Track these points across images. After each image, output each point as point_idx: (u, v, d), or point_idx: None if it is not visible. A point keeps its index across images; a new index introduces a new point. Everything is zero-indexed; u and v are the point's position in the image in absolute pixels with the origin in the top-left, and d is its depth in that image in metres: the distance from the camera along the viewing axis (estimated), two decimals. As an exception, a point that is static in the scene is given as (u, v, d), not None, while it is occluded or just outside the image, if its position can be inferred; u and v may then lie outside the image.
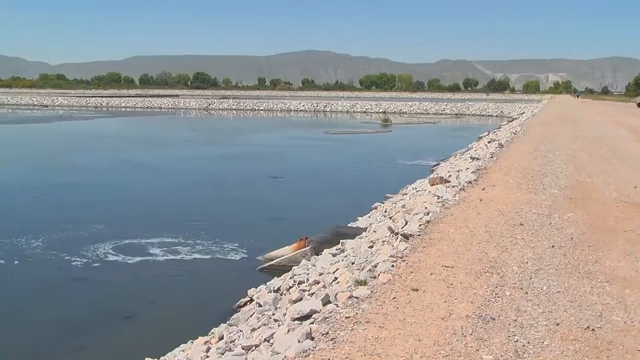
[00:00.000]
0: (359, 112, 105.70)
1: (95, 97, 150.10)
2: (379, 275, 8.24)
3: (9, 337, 11.12)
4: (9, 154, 40.58)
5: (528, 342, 6.08)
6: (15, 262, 15.21)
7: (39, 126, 69.20)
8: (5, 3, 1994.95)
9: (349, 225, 16.68)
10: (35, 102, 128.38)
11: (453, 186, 15.23)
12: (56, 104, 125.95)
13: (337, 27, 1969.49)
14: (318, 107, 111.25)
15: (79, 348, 10.65)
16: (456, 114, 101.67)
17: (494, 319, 6.62)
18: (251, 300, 11.82)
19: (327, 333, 6.41)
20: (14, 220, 20.09)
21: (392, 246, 9.84)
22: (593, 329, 6.42)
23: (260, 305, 10.43)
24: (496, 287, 7.62)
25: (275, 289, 11.34)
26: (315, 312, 7.39)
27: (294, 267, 12.75)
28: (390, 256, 9.04)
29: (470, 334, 6.24)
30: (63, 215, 20.73)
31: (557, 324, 6.54)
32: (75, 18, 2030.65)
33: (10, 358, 10.37)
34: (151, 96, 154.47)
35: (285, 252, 15.04)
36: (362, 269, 8.81)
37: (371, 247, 10.75)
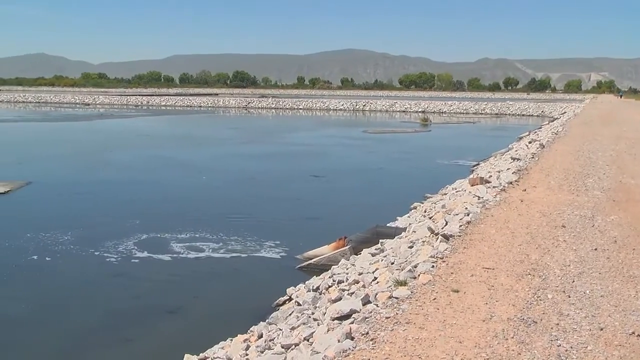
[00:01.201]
0: (398, 111, 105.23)
1: (136, 95, 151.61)
2: (419, 275, 8.20)
3: (57, 329, 11.36)
4: (52, 151, 41.23)
5: (571, 347, 6.00)
6: (60, 257, 15.50)
7: (80, 124, 70.25)
8: (48, 3, 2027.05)
9: (388, 225, 16.61)
10: (77, 101, 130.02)
11: (494, 187, 15.11)
12: (97, 102, 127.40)
13: (376, 26, 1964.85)
14: (357, 106, 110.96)
15: (124, 340, 10.83)
16: (496, 114, 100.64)
17: (536, 323, 6.54)
18: (290, 299, 11.85)
19: (367, 333, 6.40)
20: (57, 216, 20.44)
21: (432, 247, 9.80)
22: (638, 335, 6.32)
23: (299, 304, 10.46)
24: (538, 290, 7.53)
25: (314, 288, 11.36)
26: (355, 311, 7.39)
27: (333, 267, 12.76)
28: (431, 257, 9.00)
29: (512, 337, 6.18)
30: (105, 212, 21.05)
31: (601, 329, 6.44)
32: (116, 18, 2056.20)
33: (58, 348, 10.58)
34: (191, 95, 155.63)
35: (324, 251, 15.05)
36: (402, 269, 8.78)
37: (411, 247, 10.72)
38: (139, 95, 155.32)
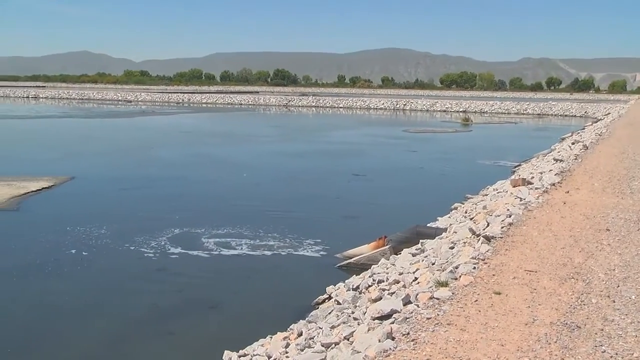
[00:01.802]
0: (439, 110, 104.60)
1: (177, 93, 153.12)
2: (460, 277, 8.16)
3: (103, 321, 11.57)
4: (94, 147, 41.85)
5: (616, 354, 5.91)
6: (102, 251, 15.77)
7: (122, 121, 71.16)
8: (92, 2, 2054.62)
9: (428, 225, 16.54)
10: (120, 98, 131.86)
11: (536, 188, 14.95)
12: (139, 99, 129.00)
13: (417, 24, 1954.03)
14: (397, 106, 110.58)
15: (168, 333, 11.02)
16: (538, 114, 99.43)
17: (580, 327, 6.47)
18: (329, 298, 11.87)
19: (408, 333, 6.39)
20: (99, 211, 20.72)
21: (474, 248, 9.74)
22: (685, 341, 6.21)
23: (339, 303, 10.47)
24: (582, 294, 7.44)
25: (354, 287, 11.36)
26: (395, 311, 7.38)
27: (373, 266, 12.75)
28: (472, 258, 8.95)
29: (555, 342, 6.11)
30: (146, 208, 21.36)
31: (647, 335, 6.34)
32: (158, 16, 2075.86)
33: (105, 339, 10.78)
34: (232, 92, 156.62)
35: (363, 250, 15.04)
36: (443, 270, 8.74)
37: (452, 248, 10.66)
38: (180, 92, 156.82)
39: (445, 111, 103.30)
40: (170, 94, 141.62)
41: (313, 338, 8.67)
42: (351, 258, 14.97)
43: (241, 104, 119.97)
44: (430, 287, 8.03)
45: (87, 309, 12.17)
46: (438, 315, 6.81)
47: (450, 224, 15.07)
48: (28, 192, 23.06)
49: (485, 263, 8.70)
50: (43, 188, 24.03)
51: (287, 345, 8.94)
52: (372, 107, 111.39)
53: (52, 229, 17.83)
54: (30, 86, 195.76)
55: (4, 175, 26.44)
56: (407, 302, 7.70)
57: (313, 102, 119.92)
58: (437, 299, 7.40)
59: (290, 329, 9.90)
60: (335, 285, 12.32)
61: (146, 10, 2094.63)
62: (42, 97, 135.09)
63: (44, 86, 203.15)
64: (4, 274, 13.89)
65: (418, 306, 7.32)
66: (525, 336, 6.23)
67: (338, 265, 14.93)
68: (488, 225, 11.37)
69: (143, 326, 11.36)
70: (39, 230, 17.80)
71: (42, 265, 14.52)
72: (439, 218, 18.04)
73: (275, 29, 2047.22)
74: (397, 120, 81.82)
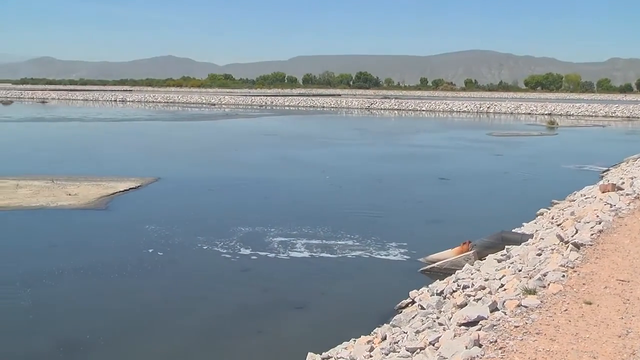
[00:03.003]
0: (523, 113, 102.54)
1: (260, 96, 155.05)
2: (548, 285, 8.03)
3: (192, 318, 11.89)
4: (180, 149, 42.90)
5: None
6: (187, 251, 16.19)
7: (206, 123, 72.66)
8: (176, 7, 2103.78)
9: (513, 230, 16.26)
10: (204, 101, 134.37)
11: (627, 194, 14.54)
12: (223, 102, 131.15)
13: (501, 25, 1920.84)
14: (481, 108, 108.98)
15: (256, 332, 11.21)
16: (628, 117, 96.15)
17: (677, 340, 6.26)
18: (413, 302, 11.82)
19: (496, 341, 6.33)
20: (184, 212, 21.26)
21: (562, 255, 9.55)
22: None
23: (423, 308, 10.42)
24: (678, 306, 7.20)
25: (438, 292, 11.29)
26: (482, 318, 7.32)
27: (457, 271, 12.65)
28: (561, 265, 8.78)
29: (650, 355, 5.94)
30: (230, 209, 21.82)
31: None
32: (242, 20, 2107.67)
33: (194, 335, 11.06)
34: (314, 95, 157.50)
35: (447, 255, 14.92)
36: (531, 278, 8.61)
37: (539, 254, 10.49)
38: (263, 95, 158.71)
39: (530, 114, 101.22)
40: (253, 97, 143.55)
41: (398, 342, 8.65)
42: (434, 262, 14.87)
43: (323, 107, 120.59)
44: (518, 294, 7.92)
45: (176, 306, 12.53)
46: (526, 323, 6.71)
47: (537, 230, 14.81)
48: (116, 192, 23.80)
49: (575, 271, 8.52)
50: (130, 188, 24.78)
51: (372, 349, 8.95)
52: (455, 110, 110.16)
53: (138, 228, 18.37)
54: (118, 90, 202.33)
55: (94, 176, 27.42)
56: (493, 309, 7.62)
57: (395, 105, 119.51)
58: (525, 306, 7.29)
59: (374, 333, 9.90)
60: (418, 290, 12.25)
61: (230, 15, 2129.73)
62: (129, 101, 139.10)
63: (131, 90, 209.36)
64: (93, 271, 14.40)
65: (505, 313, 7.24)
66: (618, 349, 6.08)
67: (421, 269, 14.85)
68: (577, 232, 11.14)
69: (232, 324, 11.61)
70: (126, 229, 18.40)
71: (130, 263, 14.99)
72: (524, 224, 17.71)
73: (357, 32, 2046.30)
74: (481, 124, 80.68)
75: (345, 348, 9.66)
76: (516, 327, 6.64)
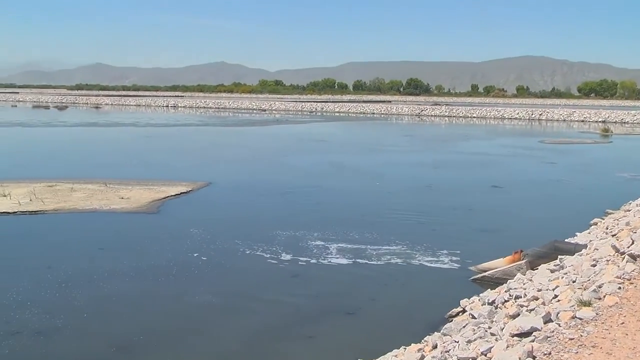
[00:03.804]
0: (577, 120, 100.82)
1: (310, 102, 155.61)
2: (604, 296, 7.88)
3: (243, 321, 12.04)
4: (231, 154, 43.33)
5: None
6: (236, 255, 16.34)
7: (257, 129, 73.22)
8: (228, 14, 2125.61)
9: (566, 240, 15.99)
10: (254, 107, 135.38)
11: (685, 205, 14.19)
12: (273, 108, 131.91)
13: (555, 31, 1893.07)
14: (533, 115, 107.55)
15: (307, 337, 11.32)
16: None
17: None
18: (464, 311, 11.72)
19: (550, 353, 6.24)
20: (233, 216, 21.52)
21: (618, 267, 9.36)
22: None
23: (474, 317, 10.32)
24: None
25: (490, 301, 11.16)
26: (535, 329, 7.22)
27: (509, 281, 12.49)
28: (616, 277, 8.61)
29: None
30: (279, 214, 21.98)
31: None
32: (293, 26, 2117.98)
33: (246, 338, 11.20)
34: (364, 102, 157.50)
35: (498, 264, 14.75)
36: (585, 289, 8.47)
37: (594, 265, 10.30)
38: (314, 101, 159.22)
39: (583, 121, 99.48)
40: (303, 103, 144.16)
41: (449, 351, 8.57)
42: (485, 271, 14.72)
43: (373, 113, 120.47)
44: (572, 306, 7.79)
45: (226, 310, 12.68)
46: (581, 336, 6.59)
47: (590, 240, 14.56)
48: (167, 196, 24.14)
49: (631, 283, 8.34)
50: (181, 193, 25.11)
51: (422, 358, 8.89)
52: (506, 117, 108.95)
53: (188, 232, 18.60)
54: (170, 96, 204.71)
55: (146, 180, 27.83)
56: (547, 320, 7.51)
57: (446, 111, 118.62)
58: (580, 318, 7.17)
59: (425, 341, 9.84)
60: (469, 299, 12.15)
61: (281, 21, 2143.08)
62: (180, 106, 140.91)
63: (183, 96, 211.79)
64: (145, 274, 14.66)
65: (559, 325, 7.12)
66: (678, 363, 5.92)
67: (472, 278, 14.71)
68: (633, 243, 10.89)
69: (283, 328, 11.69)
70: (177, 233, 18.62)
71: (180, 267, 15.21)
72: (577, 233, 17.44)
73: (408, 38, 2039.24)
74: (533, 131, 79.62)
75: (396, 356, 9.62)
76: (571, 339, 6.53)
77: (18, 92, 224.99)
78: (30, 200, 22.50)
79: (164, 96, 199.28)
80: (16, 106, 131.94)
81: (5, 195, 22.98)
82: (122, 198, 23.40)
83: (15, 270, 14.72)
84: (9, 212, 20.75)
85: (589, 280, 9.27)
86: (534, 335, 7.01)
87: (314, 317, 12.24)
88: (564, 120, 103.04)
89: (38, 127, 67.49)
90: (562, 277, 10.53)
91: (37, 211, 21.06)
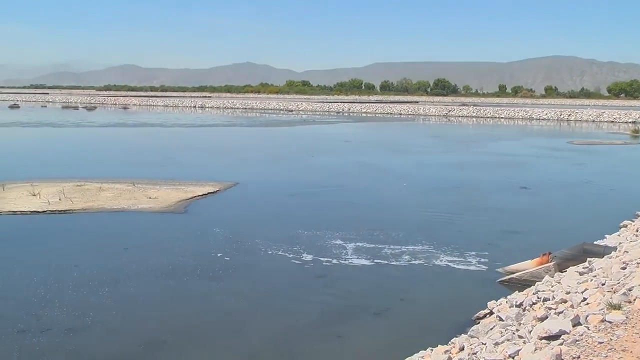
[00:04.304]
0: (606, 121, 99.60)
1: (337, 102, 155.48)
2: (634, 300, 7.79)
3: (272, 321, 12.10)
4: (258, 155, 43.51)
5: None
6: (265, 256, 16.39)
7: (284, 129, 73.35)
8: (255, 15, 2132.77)
9: (595, 242, 15.81)
10: (281, 107, 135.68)
11: None
12: (300, 108, 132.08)
13: (584, 30, 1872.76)
14: (561, 116, 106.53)
15: (336, 336, 11.35)
16: None
17: None
18: (491, 313, 11.64)
19: (579, 357, 6.18)
20: (262, 218, 21.56)
21: (648, 270, 9.23)
22: None
23: (501, 319, 10.24)
24: None
25: (517, 303, 11.08)
26: (564, 332, 7.15)
27: (536, 283, 12.38)
28: (647, 280, 8.48)
29: None
30: (306, 214, 22.05)
31: None
32: (320, 27, 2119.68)
33: (274, 337, 11.28)
34: (391, 102, 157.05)
35: (526, 266, 14.63)
36: (615, 292, 8.37)
37: (624, 268, 10.18)
38: (341, 102, 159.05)
39: (612, 122, 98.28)
40: (330, 104, 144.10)
41: (476, 354, 8.52)
42: (513, 273, 14.61)
43: (400, 114, 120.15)
44: (602, 309, 7.70)
45: (254, 309, 12.74)
46: (611, 339, 6.51)
47: (620, 243, 14.41)
48: (195, 196, 24.28)
49: (663, 286, 8.21)
50: (209, 193, 25.25)
51: (449, 359, 8.83)
52: (534, 117, 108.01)
53: (215, 232, 18.73)
54: (197, 96, 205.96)
55: (174, 180, 27.99)
56: (576, 323, 7.43)
57: (473, 112, 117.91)
58: (610, 322, 7.08)
59: (452, 343, 9.80)
60: (497, 301, 12.07)
61: (308, 22, 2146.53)
62: (207, 107, 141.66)
63: (210, 96, 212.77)
64: (172, 273, 14.78)
65: (588, 328, 7.05)
66: None
67: (499, 280, 14.61)
68: (664, 245, 10.76)
69: (312, 327, 11.79)
70: (204, 233, 18.74)
71: (207, 266, 15.32)
72: (606, 236, 17.24)
73: (435, 38, 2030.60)
74: (561, 132, 78.88)
75: (422, 357, 9.59)
76: (600, 343, 6.45)
77: (48, 93, 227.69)
78: (60, 199, 22.74)
79: (192, 97, 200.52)
80: (46, 106, 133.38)
81: (35, 195, 23.25)
82: (150, 198, 23.57)
83: (44, 269, 14.88)
84: (38, 211, 21.02)
85: (619, 283, 9.16)
86: (563, 339, 6.94)
87: (342, 316, 12.28)
88: (593, 121, 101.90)
89: (67, 127, 68.20)
90: (591, 280, 10.41)
91: (66, 210, 21.31)
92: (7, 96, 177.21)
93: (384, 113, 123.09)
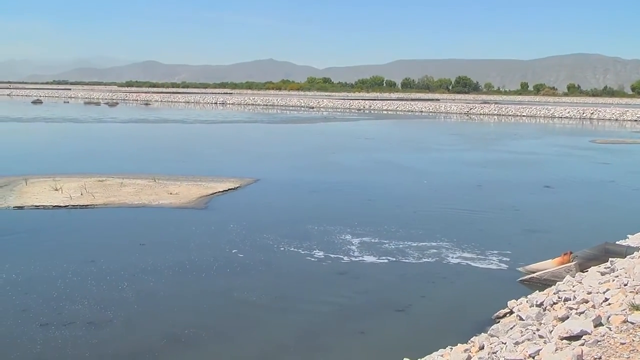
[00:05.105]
0: (630, 120, 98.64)
1: (358, 99, 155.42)
2: (657, 301, 7.69)
3: (293, 316, 12.23)
4: (279, 151, 43.60)
5: None
6: (285, 252, 16.43)
7: (305, 126, 73.35)
8: (277, 12, 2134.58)
9: (617, 242, 15.67)
10: (302, 104, 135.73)
11: None
12: (321, 105, 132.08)
13: (607, 28, 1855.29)
14: (584, 114, 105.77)
15: (358, 332, 11.40)
16: None
17: None
18: (511, 312, 11.60)
19: (600, 358, 6.15)
20: (283, 214, 21.62)
21: (672, 270, 9.14)
22: None
23: (521, 319, 10.19)
24: None
25: (538, 303, 11.00)
26: (585, 333, 7.10)
27: (557, 282, 12.29)
28: (670, 281, 8.40)
29: None
30: (326, 211, 21.98)
31: None
32: (341, 24, 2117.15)
33: (296, 333, 11.36)
34: (412, 100, 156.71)
35: (547, 265, 14.55)
36: (638, 293, 8.29)
37: (646, 269, 10.06)
38: (362, 99, 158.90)
39: (636, 121, 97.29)
40: (351, 101, 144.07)
41: (496, 353, 8.48)
42: (534, 273, 14.54)
43: (422, 112, 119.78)
44: (624, 309, 7.64)
45: (277, 305, 12.79)
46: (633, 341, 6.47)
47: (643, 243, 14.25)
48: (215, 192, 24.37)
49: (685, 287, 8.13)
50: (229, 189, 25.33)
51: (469, 358, 8.82)
52: (556, 115, 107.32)
53: (235, 228, 18.79)
54: (219, 93, 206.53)
55: (195, 176, 28.12)
56: (597, 323, 7.38)
57: (495, 110, 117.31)
58: (632, 323, 7.03)
59: (471, 341, 9.76)
60: (517, 300, 12.01)
61: (329, 19, 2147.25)
62: (229, 103, 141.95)
63: (231, 93, 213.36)
64: (193, 269, 14.85)
65: (610, 329, 7.00)
66: None
67: (520, 279, 14.54)
68: (687, 246, 10.64)
69: (334, 323, 11.82)
70: (224, 229, 18.81)
71: (228, 262, 15.40)
72: (629, 236, 17.06)
73: (457, 36, 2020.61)
74: (584, 130, 78.33)
75: (442, 355, 9.56)
76: (622, 344, 6.40)
77: (70, 89, 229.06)
78: (81, 194, 22.92)
79: (213, 93, 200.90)
80: (68, 102, 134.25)
81: (57, 189, 23.46)
82: (171, 194, 23.68)
83: (66, 263, 14.99)
84: (60, 206, 21.20)
85: (641, 283, 9.07)
86: (584, 339, 6.90)
87: (364, 313, 12.31)
88: (616, 119, 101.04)
89: (89, 123, 68.64)
90: (613, 280, 10.32)
91: (88, 205, 21.49)
92: (30, 92, 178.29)
93: (405, 110, 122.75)
